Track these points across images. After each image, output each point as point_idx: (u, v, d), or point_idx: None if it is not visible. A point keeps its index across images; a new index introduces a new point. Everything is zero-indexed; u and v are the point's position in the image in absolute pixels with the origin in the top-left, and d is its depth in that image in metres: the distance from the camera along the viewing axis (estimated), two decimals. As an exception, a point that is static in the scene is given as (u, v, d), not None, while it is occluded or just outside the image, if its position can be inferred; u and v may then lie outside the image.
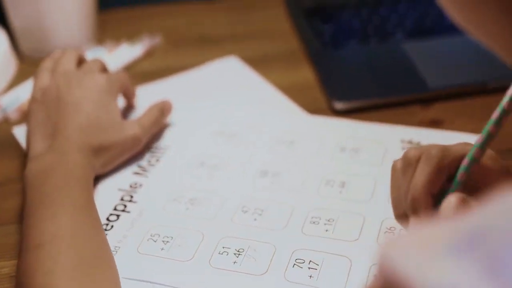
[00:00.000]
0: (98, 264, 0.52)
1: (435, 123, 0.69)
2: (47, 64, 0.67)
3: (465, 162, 0.46)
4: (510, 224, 0.23)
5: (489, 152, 0.49)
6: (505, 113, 0.43)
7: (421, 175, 0.48)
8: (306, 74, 0.80)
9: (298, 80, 0.79)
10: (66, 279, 0.50)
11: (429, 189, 0.48)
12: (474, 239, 0.23)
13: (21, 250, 0.53)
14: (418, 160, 0.49)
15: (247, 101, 0.75)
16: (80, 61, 0.69)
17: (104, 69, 0.68)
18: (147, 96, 0.74)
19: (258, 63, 0.82)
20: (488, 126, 0.44)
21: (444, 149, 0.48)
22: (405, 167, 0.50)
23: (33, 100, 0.64)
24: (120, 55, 0.84)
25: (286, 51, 0.85)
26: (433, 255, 0.24)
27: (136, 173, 0.65)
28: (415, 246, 0.25)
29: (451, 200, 0.40)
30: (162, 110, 0.69)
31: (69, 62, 0.67)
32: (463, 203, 0.40)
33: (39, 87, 0.65)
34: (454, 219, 0.25)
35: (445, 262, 0.23)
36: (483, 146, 0.45)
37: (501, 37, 0.32)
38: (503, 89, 0.72)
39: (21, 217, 0.61)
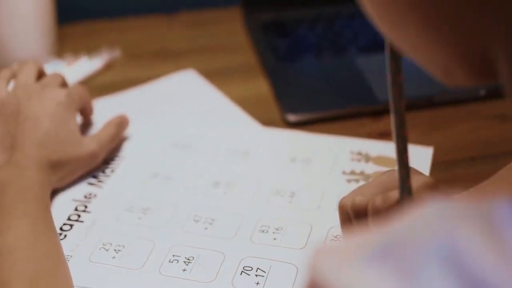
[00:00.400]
0: (55, 275, 0.53)
1: (383, 135, 0.71)
2: (4, 74, 0.68)
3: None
4: (419, 238, 0.25)
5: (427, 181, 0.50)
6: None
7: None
8: (261, 87, 0.82)
9: (253, 93, 0.81)
10: None
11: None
12: (388, 250, 0.25)
13: None
14: (365, 208, 0.51)
15: (203, 114, 0.76)
16: (40, 75, 0.70)
17: (64, 84, 0.69)
18: (105, 109, 0.75)
19: (215, 76, 0.83)
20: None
21: (385, 196, 0.50)
22: (355, 215, 0.52)
23: None
24: (79, 69, 0.85)
25: (242, 64, 0.87)
26: (350, 262, 0.26)
27: (91, 184, 0.66)
28: (337, 254, 0.27)
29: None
30: (119, 125, 0.70)
31: (29, 75, 0.68)
32: None
33: None
34: (375, 231, 0.27)
35: (360, 269, 0.25)
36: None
37: (428, 52, 0.33)
38: (449, 103, 0.75)
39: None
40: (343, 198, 0.53)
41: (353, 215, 0.52)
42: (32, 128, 0.63)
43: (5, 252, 0.53)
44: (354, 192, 0.53)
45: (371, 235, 0.27)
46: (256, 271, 0.55)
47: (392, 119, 0.41)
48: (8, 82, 0.68)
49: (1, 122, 0.63)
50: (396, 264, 0.25)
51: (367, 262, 0.25)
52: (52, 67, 0.84)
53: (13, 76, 0.68)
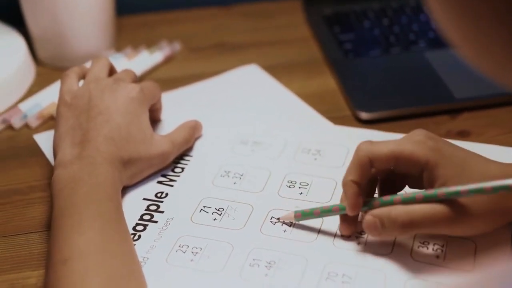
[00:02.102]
0: (128, 281, 0.51)
1: (462, 134, 0.68)
2: (75, 69, 0.66)
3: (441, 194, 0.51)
4: None
5: (416, 136, 0.54)
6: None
7: (349, 165, 0.55)
8: (327, 83, 0.79)
9: (319, 89, 0.78)
10: None
11: (352, 177, 0.54)
12: None
13: (48, 263, 0.52)
14: (386, 157, 0.54)
15: (271, 110, 0.74)
16: (111, 71, 0.68)
17: (135, 80, 0.67)
18: (167, 104, 0.73)
19: (278, 70, 0.81)
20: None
21: (371, 147, 0.54)
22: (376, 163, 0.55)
23: (62, 102, 0.63)
24: (139, 62, 0.83)
25: (306, 59, 0.84)
26: None
27: (161, 182, 0.64)
28: None
29: (368, 218, 0.53)
30: (193, 129, 0.68)
31: (101, 70, 0.66)
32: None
33: (67, 89, 0.64)
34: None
35: None
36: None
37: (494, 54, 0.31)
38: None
39: (45, 226, 0.60)
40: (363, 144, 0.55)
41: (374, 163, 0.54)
42: (104, 124, 0.61)
43: (76, 256, 0.51)
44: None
45: None
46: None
47: None
48: (79, 77, 0.66)
49: (73, 115, 0.62)
50: None
51: None
52: (112, 61, 0.82)
53: (85, 72, 0.67)
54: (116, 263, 0.52)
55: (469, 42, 0.32)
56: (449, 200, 0.51)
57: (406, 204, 0.52)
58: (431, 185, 0.53)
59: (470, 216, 0.51)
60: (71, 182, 0.57)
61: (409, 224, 0.52)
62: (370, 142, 0.55)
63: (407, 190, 0.56)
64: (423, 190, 0.53)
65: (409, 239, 0.56)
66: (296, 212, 0.58)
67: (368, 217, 0.53)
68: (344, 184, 0.55)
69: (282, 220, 0.59)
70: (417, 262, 0.54)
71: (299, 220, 0.58)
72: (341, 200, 0.57)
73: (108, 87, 0.63)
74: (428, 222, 0.52)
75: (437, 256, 0.55)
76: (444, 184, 0.52)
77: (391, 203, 0.53)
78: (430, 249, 0.55)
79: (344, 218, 0.56)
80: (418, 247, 0.55)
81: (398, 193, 0.55)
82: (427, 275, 0.53)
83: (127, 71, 0.67)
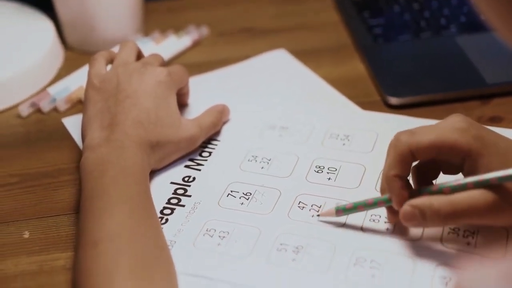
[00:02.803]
0: (157, 264, 0.51)
1: (494, 120, 0.67)
2: (103, 53, 0.66)
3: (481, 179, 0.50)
4: None
5: (457, 123, 0.52)
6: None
7: (387, 158, 0.53)
8: (357, 68, 0.78)
9: (348, 74, 0.78)
10: (124, 280, 0.49)
11: (395, 171, 0.52)
12: None
13: (78, 246, 0.53)
14: (428, 148, 0.52)
15: (298, 95, 0.73)
16: (139, 55, 0.68)
17: (163, 64, 0.67)
18: (195, 88, 0.73)
19: (306, 55, 0.80)
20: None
21: (411, 138, 0.52)
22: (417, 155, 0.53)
23: (91, 85, 0.63)
24: (167, 47, 0.83)
25: (335, 44, 0.83)
26: None
27: (188, 166, 0.64)
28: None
29: (406, 209, 0.51)
30: (221, 113, 0.67)
31: (129, 54, 0.66)
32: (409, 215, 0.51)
33: (95, 73, 0.64)
34: None
35: None
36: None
37: None
38: None
39: (73, 208, 0.61)
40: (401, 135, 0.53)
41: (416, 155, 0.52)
42: (132, 107, 0.61)
43: (106, 239, 0.51)
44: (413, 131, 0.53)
45: None
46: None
47: None
48: (107, 61, 0.66)
49: (101, 99, 0.62)
50: None
51: None
52: (140, 45, 0.81)
53: (113, 56, 0.67)
54: (146, 246, 0.52)
55: (509, 25, 0.31)
56: (493, 189, 0.49)
57: (455, 192, 0.50)
58: (472, 174, 0.51)
59: None
60: (99, 165, 0.57)
61: (452, 215, 0.50)
62: (410, 132, 0.53)
63: (443, 178, 0.55)
64: (472, 177, 0.51)
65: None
66: (337, 209, 0.56)
67: (407, 208, 0.51)
68: (387, 179, 0.53)
69: (322, 216, 0.57)
70: (447, 248, 0.53)
71: (340, 216, 0.56)
72: (383, 192, 0.54)
73: (136, 71, 0.63)
74: (472, 212, 0.50)
75: (468, 243, 0.54)
76: None
77: (441, 193, 0.51)
78: (460, 235, 0.54)
79: (391, 209, 0.54)
80: (449, 233, 0.55)
81: (439, 182, 0.53)
82: (457, 262, 0.52)
83: (155, 55, 0.67)
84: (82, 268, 0.51)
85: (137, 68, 0.63)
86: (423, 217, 0.50)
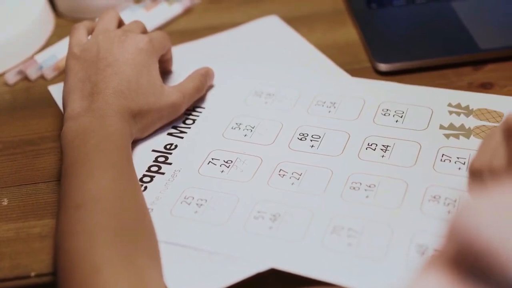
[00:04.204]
0: (140, 228, 0.51)
1: (485, 86, 0.65)
2: (85, 23, 0.65)
3: None
4: None
5: None
6: None
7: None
8: (349, 34, 0.77)
9: (340, 40, 0.76)
10: (108, 242, 0.48)
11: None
12: None
13: (60, 210, 0.52)
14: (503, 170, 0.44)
15: (287, 61, 0.72)
16: (120, 24, 0.67)
17: (144, 32, 0.66)
18: (184, 56, 0.72)
19: (298, 22, 0.78)
20: None
21: None
22: (509, 136, 0.44)
23: (71, 55, 0.62)
24: (158, 14, 0.81)
25: (328, 10, 0.81)
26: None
27: (171, 134, 0.63)
28: (500, 214, 0.25)
29: None
30: (205, 77, 0.66)
31: (109, 22, 0.65)
32: None
33: (76, 42, 0.63)
34: None
35: None
36: None
37: None
38: None
39: (53, 176, 0.60)
40: (476, 161, 0.46)
41: (490, 177, 0.45)
42: (113, 76, 0.60)
43: (90, 201, 0.51)
44: (485, 152, 0.46)
45: None
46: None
47: None
48: (89, 31, 0.65)
49: (82, 68, 0.61)
50: None
51: None
52: (130, 12, 0.81)
53: (94, 26, 0.66)
54: (128, 210, 0.52)
55: None
56: None
57: None
58: None
59: None
60: (81, 133, 0.56)
61: None
62: None
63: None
64: None
65: (420, 194, 0.54)
66: None
67: None
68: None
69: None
70: (426, 216, 0.52)
71: None
72: None
73: (117, 38, 0.62)
74: None
75: (449, 211, 0.53)
76: None
77: None
78: (441, 203, 0.53)
79: None
80: (429, 201, 0.53)
81: None
82: (437, 231, 0.51)
83: (136, 22, 0.66)
84: (64, 230, 0.50)
85: (118, 36, 0.62)
86: None
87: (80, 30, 0.64)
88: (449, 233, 0.26)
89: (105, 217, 0.50)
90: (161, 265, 0.50)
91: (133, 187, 0.54)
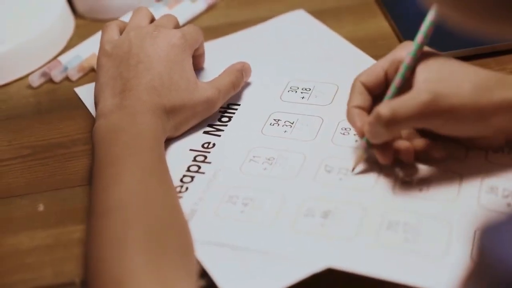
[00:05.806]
0: (169, 233, 0.49)
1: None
2: (117, 21, 0.64)
3: (400, 69, 0.54)
4: None
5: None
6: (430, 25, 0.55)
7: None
8: (380, 25, 0.74)
9: (372, 32, 0.74)
10: (135, 254, 0.46)
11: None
12: None
13: (89, 215, 0.50)
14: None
15: (320, 56, 0.70)
16: (152, 22, 0.65)
17: (177, 26, 0.64)
18: (210, 53, 0.69)
19: (326, 15, 0.76)
20: (417, 38, 0.55)
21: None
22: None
23: (103, 52, 0.60)
24: (181, 11, 0.79)
25: (355, 1, 0.79)
26: None
27: (207, 132, 0.61)
28: None
29: (377, 111, 0.51)
30: (241, 72, 0.64)
31: (141, 19, 0.63)
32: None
33: (108, 39, 0.61)
34: None
35: None
36: (415, 54, 0.54)
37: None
38: None
39: (88, 179, 0.58)
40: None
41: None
42: (145, 72, 0.58)
43: (116, 208, 0.49)
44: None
45: None
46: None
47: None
48: (121, 29, 0.63)
49: (113, 65, 0.59)
50: None
51: None
52: (153, 11, 0.78)
53: (126, 24, 0.64)
54: (158, 214, 0.50)
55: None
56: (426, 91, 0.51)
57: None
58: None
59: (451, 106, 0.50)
60: (111, 132, 0.54)
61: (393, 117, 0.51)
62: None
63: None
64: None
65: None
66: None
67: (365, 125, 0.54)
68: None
69: (356, 168, 0.55)
70: (398, 197, 0.53)
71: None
72: None
73: (149, 34, 0.60)
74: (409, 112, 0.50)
75: (420, 190, 0.53)
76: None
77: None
78: (414, 183, 0.53)
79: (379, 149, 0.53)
80: (403, 183, 0.53)
81: None
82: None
83: (168, 16, 0.64)
84: (92, 239, 0.48)
85: (150, 32, 0.60)
86: (375, 125, 0.51)
87: (112, 27, 0.62)
88: None
89: (131, 223, 0.48)
90: (194, 274, 0.48)
91: (163, 188, 0.52)
